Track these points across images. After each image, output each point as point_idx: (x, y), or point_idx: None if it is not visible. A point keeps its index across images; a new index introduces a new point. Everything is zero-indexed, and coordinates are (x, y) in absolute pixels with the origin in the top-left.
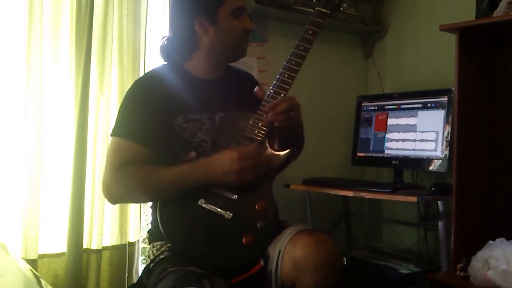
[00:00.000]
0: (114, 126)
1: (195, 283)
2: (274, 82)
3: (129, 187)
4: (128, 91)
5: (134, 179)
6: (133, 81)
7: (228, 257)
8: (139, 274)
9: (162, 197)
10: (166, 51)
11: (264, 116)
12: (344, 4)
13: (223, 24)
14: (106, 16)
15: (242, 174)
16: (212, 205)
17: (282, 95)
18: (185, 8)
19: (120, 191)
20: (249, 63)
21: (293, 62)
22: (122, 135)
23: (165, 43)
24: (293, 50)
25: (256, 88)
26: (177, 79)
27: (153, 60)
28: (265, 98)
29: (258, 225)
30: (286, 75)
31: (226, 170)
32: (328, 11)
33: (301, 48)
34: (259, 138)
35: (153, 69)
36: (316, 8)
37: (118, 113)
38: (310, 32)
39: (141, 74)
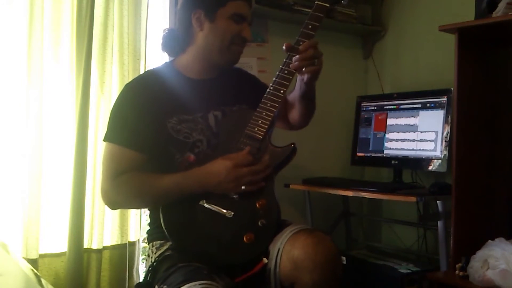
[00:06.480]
0: (107, 131)
1: (207, 277)
2: (274, 78)
3: (126, 195)
4: (119, 95)
5: (131, 188)
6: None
7: (230, 255)
8: (140, 274)
9: (160, 204)
10: (164, 41)
11: (289, 66)
12: None
13: (219, 23)
14: (106, 16)
15: (237, 183)
16: (213, 204)
17: (282, 92)
18: (189, 0)
19: (118, 198)
20: (249, 63)
21: (293, 58)
22: (116, 141)
23: (166, 33)
24: (293, 45)
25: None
26: (168, 80)
27: (154, 60)
28: (265, 95)
29: (259, 223)
30: (286, 72)
31: (222, 180)
32: (327, 5)
33: (301, 43)
34: (260, 135)
35: (143, 72)
36: (316, 2)
37: (110, 117)
38: (310, 27)
39: None
